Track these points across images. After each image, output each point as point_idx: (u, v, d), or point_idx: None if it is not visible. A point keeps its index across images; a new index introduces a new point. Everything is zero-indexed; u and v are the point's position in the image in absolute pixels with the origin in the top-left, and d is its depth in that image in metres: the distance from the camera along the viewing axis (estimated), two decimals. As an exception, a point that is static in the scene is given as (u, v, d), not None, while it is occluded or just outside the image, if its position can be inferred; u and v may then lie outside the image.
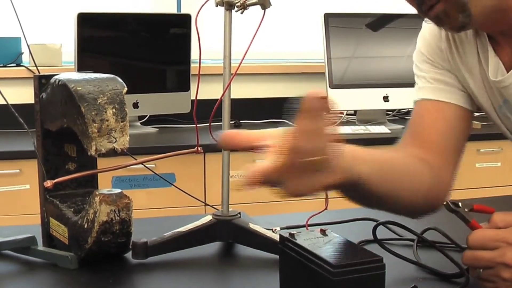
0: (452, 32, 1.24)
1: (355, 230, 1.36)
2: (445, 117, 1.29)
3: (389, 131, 3.12)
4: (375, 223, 1.29)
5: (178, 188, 1.46)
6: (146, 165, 1.36)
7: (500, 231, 1.01)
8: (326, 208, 1.32)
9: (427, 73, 1.32)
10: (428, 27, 1.34)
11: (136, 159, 1.26)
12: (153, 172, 1.46)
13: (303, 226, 1.36)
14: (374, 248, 1.22)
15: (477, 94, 1.27)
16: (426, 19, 1.15)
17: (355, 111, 3.43)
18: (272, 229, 1.34)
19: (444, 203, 1.08)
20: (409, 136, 1.32)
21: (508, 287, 0.98)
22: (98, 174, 1.30)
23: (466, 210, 1.07)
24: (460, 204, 1.08)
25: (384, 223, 1.31)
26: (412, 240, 1.28)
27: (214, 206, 1.38)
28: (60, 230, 1.23)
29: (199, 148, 1.24)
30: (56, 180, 1.19)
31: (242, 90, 3.41)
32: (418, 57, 1.35)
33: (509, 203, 1.66)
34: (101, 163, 1.27)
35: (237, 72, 1.24)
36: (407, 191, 1.18)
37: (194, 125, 1.23)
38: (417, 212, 1.26)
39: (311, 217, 1.34)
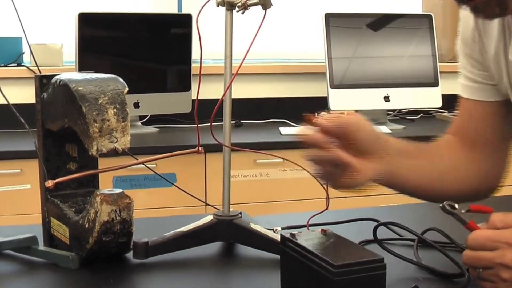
0: (485, 20, 1.28)
1: (355, 230, 1.36)
2: (482, 115, 1.39)
3: (390, 131, 3.12)
4: (375, 223, 1.29)
5: (179, 188, 1.46)
6: (147, 165, 1.36)
7: (499, 232, 1.01)
8: (327, 208, 1.32)
9: (463, 68, 1.41)
10: (463, 18, 1.39)
11: (137, 159, 1.26)
12: (154, 172, 1.47)
13: (304, 226, 1.36)
14: (374, 248, 1.22)
15: (499, 80, 1.32)
16: (463, 6, 1.18)
17: (356, 111, 3.42)
18: (273, 229, 1.34)
19: (440, 205, 1.09)
20: (455, 133, 1.44)
21: (508, 287, 0.99)
22: (99, 174, 1.31)
23: (462, 211, 1.07)
24: (456, 205, 1.08)
25: (384, 224, 1.31)
26: (413, 240, 1.28)
27: (214, 206, 1.38)
28: (61, 230, 1.23)
29: (200, 148, 1.24)
30: (57, 180, 1.19)
31: (243, 90, 3.41)
32: (459, 46, 1.42)
33: (508, 204, 1.66)
34: (102, 163, 1.27)
35: (238, 72, 1.25)
36: (451, 187, 1.34)
37: (195, 125, 1.23)
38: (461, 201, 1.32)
39: (312, 217, 1.34)
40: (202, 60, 1.31)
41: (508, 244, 0.99)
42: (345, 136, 1.15)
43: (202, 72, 1.33)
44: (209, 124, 1.19)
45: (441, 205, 1.08)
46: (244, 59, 1.24)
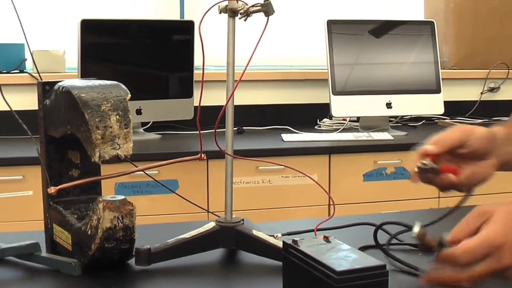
0: None
1: (357, 236, 1.36)
2: None
3: (392, 138, 3.12)
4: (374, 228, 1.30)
5: (180, 196, 1.46)
6: (148, 172, 1.36)
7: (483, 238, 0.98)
8: (333, 215, 1.32)
9: None
10: None
11: (136, 166, 1.26)
12: (154, 180, 1.47)
13: (305, 232, 1.36)
14: (376, 253, 1.22)
15: None
16: None
17: (358, 118, 3.43)
18: (273, 235, 1.34)
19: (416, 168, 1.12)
20: None
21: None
22: (101, 181, 1.31)
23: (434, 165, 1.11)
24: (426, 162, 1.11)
25: (382, 225, 1.31)
26: (412, 245, 1.28)
27: (215, 213, 1.38)
28: (63, 237, 1.24)
29: (202, 155, 1.24)
30: (59, 187, 1.19)
31: (245, 97, 3.41)
32: None
33: None
34: (104, 169, 1.28)
35: (240, 79, 1.25)
36: None
37: (197, 132, 1.23)
38: None
39: (320, 223, 1.34)
40: (204, 67, 1.31)
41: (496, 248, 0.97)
42: (460, 147, 1.18)
43: (204, 79, 1.33)
44: (211, 131, 1.19)
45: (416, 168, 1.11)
46: (246, 67, 1.24)
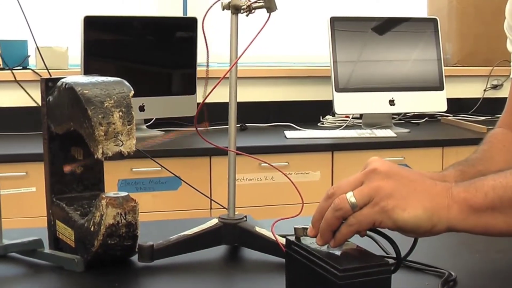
0: None
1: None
2: None
3: (395, 135, 3.12)
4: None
5: (187, 183, 1.46)
6: (153, 169, 1.36)
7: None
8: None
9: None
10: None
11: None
12: (174, 175, 1.47)
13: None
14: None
15: None
16: None
17: (361, 115, 3.43)
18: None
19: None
20: (508, 116, 1.44)
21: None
22: (104, 178, 1.31)
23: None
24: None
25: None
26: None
27: (218, 210, 1.38)
28: (66, 233, 1.24)
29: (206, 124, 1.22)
30: (74, 164, 1.19)
31: (248, 94, 3.41)
32: (507, 23, 1.40)
33: None
34: (107, 166, 1.28)
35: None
36: None
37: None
38: None
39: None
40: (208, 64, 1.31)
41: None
42: None
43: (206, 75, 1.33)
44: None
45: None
46: (237, 60, 1.24)
